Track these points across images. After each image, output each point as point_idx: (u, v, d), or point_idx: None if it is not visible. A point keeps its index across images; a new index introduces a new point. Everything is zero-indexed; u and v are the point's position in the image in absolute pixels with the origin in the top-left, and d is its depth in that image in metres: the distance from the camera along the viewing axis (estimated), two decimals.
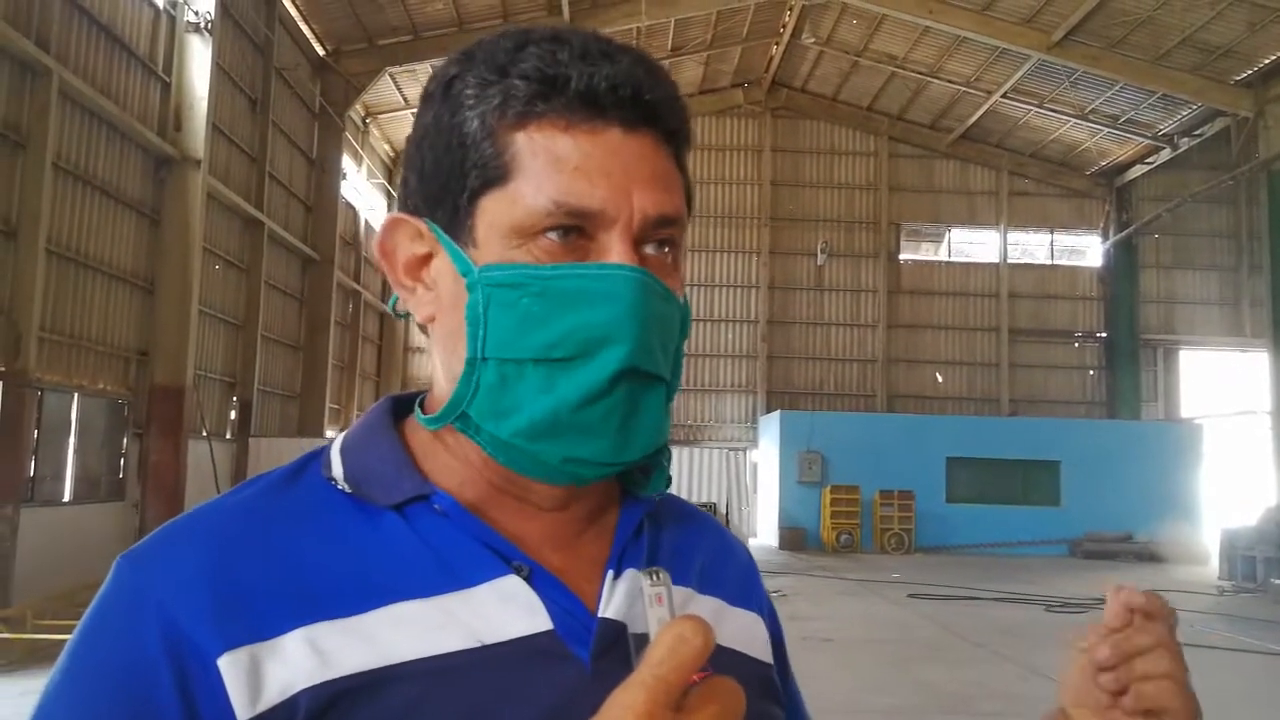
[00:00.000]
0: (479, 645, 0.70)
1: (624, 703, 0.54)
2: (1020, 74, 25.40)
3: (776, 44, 27.82)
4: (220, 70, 15.90)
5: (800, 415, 25.86)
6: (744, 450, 28.69)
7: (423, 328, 0.80)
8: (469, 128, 0.73)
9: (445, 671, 0.69)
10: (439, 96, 0.77)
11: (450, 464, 0.78)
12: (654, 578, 0.61)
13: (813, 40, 26.75)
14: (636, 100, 0.73)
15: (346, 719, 0.66)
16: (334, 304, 22.40)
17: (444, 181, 0.75)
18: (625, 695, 0.54)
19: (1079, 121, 27.53)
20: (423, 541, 0.74)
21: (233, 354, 17.71)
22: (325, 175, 22.03)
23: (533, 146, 0.72)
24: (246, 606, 0.69)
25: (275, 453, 17.85)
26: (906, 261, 30.60)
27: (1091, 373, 30.51)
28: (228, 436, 17.31)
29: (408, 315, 0.81)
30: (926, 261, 30.82)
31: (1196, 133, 26.32)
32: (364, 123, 25.77)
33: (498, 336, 0.72)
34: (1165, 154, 27.70)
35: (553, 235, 0.71)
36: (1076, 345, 30.62)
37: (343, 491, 0.77)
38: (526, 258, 0.72)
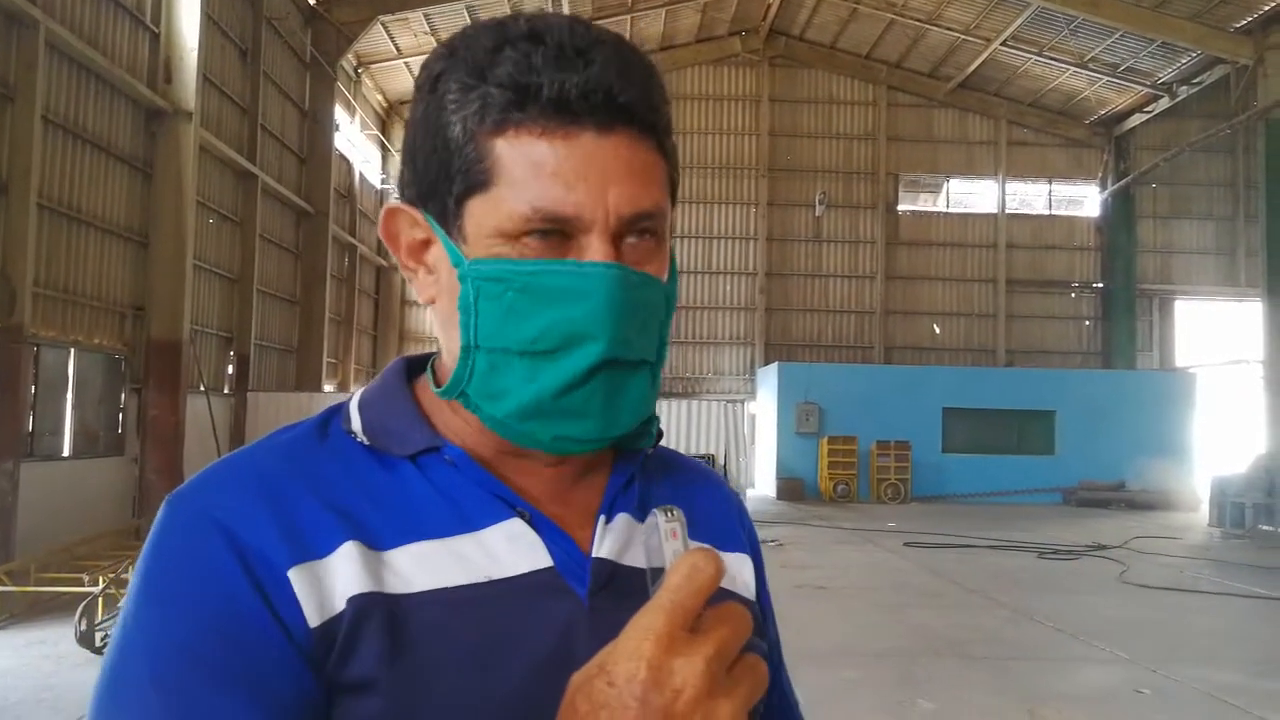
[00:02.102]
0: (487, 580, 0.77)
1: (645, 625, 0.58)
2: (1020, 21, 25.15)
3: None
4: (210, 20, 15.71)
5: (798, 367, 25.91)
6: (742, 402, 28.70)
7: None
8: (452, 132, 0.77)
9: (459, 602, 0.75)
10: (427, 91, 0.80)
11: (457, 423, 0.85)
12: (669, 514, 0.65)
13: None
14: (609, 103, 0.75)
15: (378, 632, 0.72)
16: (329, 258, 22.33)
17: (433, 180, 0.79)
18: (645, 618, 0.59)
19: (1078, 70, 27.31)
20: (435, 489, 0.80)
21: (229, 308, 17.68)
22: (318, 127, 21.84)
23: (511, 153, 0.75)
24: (300, 529, 0.74)
25: (273, 407, 17.90)
26: (904, 212, 30.49)
27: (1087, 323, 30.55)
28: (225, 391, 17.33)
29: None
30: (924, 212, 30.72)
31: (1195, 81, 26.11)
32: (356, 73, 25.52)
33: (487, 328, 0.77)
34: (1164, 102, 27.51)
35: (533, 237, 0.75)
36: (1073, 296, 30.63)
37: (362, 444, 0.83)
38: (511, 253, 0.76)
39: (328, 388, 22.71)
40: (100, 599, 7.67)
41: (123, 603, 0.74)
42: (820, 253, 30.18)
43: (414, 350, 30.45)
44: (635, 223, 0.77)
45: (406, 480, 0.80)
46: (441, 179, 0.78)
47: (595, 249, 0.75)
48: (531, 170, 0.75)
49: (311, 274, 21.59)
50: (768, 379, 26.69)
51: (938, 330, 30.13)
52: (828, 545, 14.49)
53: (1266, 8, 22.20)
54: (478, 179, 0.76)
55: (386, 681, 0.71)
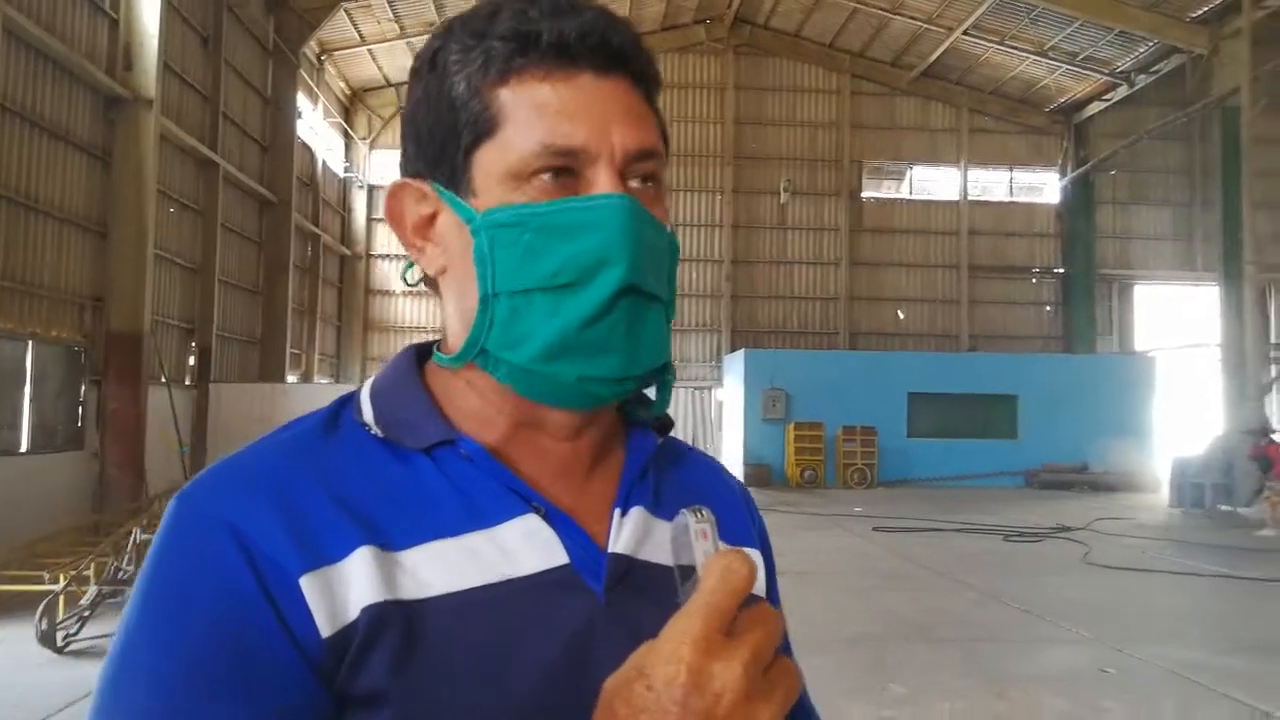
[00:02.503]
0: (503, 579, 0.76)
1: (682, 628, 0.58)
2: (981, 10, 25.33)
3: None
4: (170, 7, 15.47)
5: (764, 353, 26.01)
6: (709, 389, 28.88)
7: (433, 284, 0.86)
8: (457, 91, 0.79)
9: (476, 603, 0.74)
10: (426, 70, 0.83)
11: (471, 405, 0.83)
12: (699, 515, 0.65)
13: None
14: (604, 46, 0.79)
15: (394, 639, 0.71)
16: (292, 247, 22.13)
17: (440, 143, 0.81)
18: (682, 622, 0.59)
19: (1038, 58, 27.56)
20: (450, 484, 0.79)
21: (190, 299, 17.48)
22: (280, 115, 21.61)
23: (516, 98, 0.78)
24: (312, 532, 0.72)
25: (235, 399, 17.72)
26: (869, 199, 30.67)
27: (1048, 308, 30.91)
28: (187, 383, 17.14)
29: (419, 282, 0.88)
30: (888, 199, 30.91)
31: (1153, 70, 26.45)
32: (319, 60, 25.27)
33: (505, 272, 0.78)
34: (1122, 91, 27.87)
35: (545, 177, 0.77)
36: (1034, 281, 30.97)
37: (375, 436, 0.81)
38: (523, 198, 0.77)
39: (291, 379, 22.52)
40: (61, 597, 7.56)
41: (127, 602, 0.72)
42: (785, 240, 30.29)
43: (378, 340, 30.29)
44: (639, 160, 0.80)
45: (420, 474, 0.79)
46: (449, 138, 0.80)
47: (604, 182, 0.77)
48: (537, 111, 0.77)
49: (274, 263, 21.38)
50: (734, 365, 26.77)
51: (902, 316, 30.36)
52: (795, 531, 14.57)
53: None
54: (485, 126, 0.78)
55: (397, 693, 0.70)
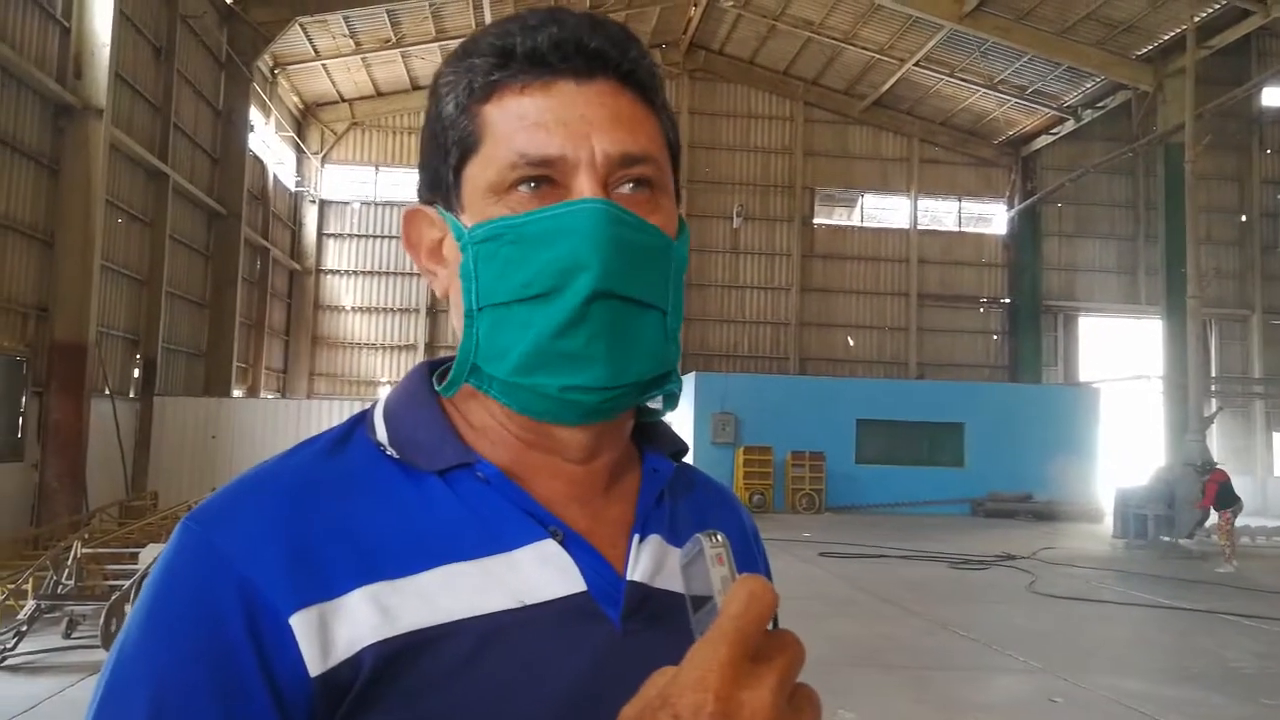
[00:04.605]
0: (520, 605, 0.74)
1: (708, 655, 0.56)
2: (932, 43, 25.79)
3: (695, 5, 27.73)
4: (123, 16, 15.27)
5: (715, 377, 26.07)
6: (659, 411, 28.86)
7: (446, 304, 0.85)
8: (446, 111, 0.80)
9: (492, 630, 0.73)
10: (430, 95, 0.84)
11: (484, 424, 0.82)
12: (713, 539, 0.63)
13: (731, 3, 26.76)
14: (581, 51, 0.78)
15: (407, 673, 0.70)
16: (241, 260, 21.84)
17: (435, 165, 0.81)
18: (707, 649, 0.56)
19: (988, 91, 28.10)
20: (466, 507, 0.77)
21: (136, 310, 17.17)
22: (232, 127, 21.38)
23: (497, 113, 0.78)
24: (313, 567, 0.71)
25: (180, 412, 17.41)
26: (820, 226, 30.98)
27: (995, 337, 31.38)
28: (131, 395, 16.82)
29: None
30: (839, 226, 31.26)
31: (1099, 105, 27.11)
32: (272, 74, 25.04)
33: (486, 286, 0.77)
34: (1069, 125, 28.52)
35: (523, 188, 0.76)
36: (981, 310, 31.43)
37: (389, 456, 0.80)
38: (504, 211, 0.76)
39: (237, 393, 22.18)
40: None
41: (130, 613, 0.73)
42: (738, 264, 30.49)
43: (326, 356, 29.91)
44: (626, 165, 0.77)
45: (435, 497, 0.77)
46: (440, 158, 0.80)
47: (584, 189, 0.76)
48: (515, 123, 0.77)
49: (222, 276, 21.09)
50: (685, 389, 26.75)
51: (851, 342, 30.65)
52: None
53: (1165, 37, 23.17)
54: (469, 143, 0.78)
55: None
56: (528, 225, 0.75)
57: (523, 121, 0.76)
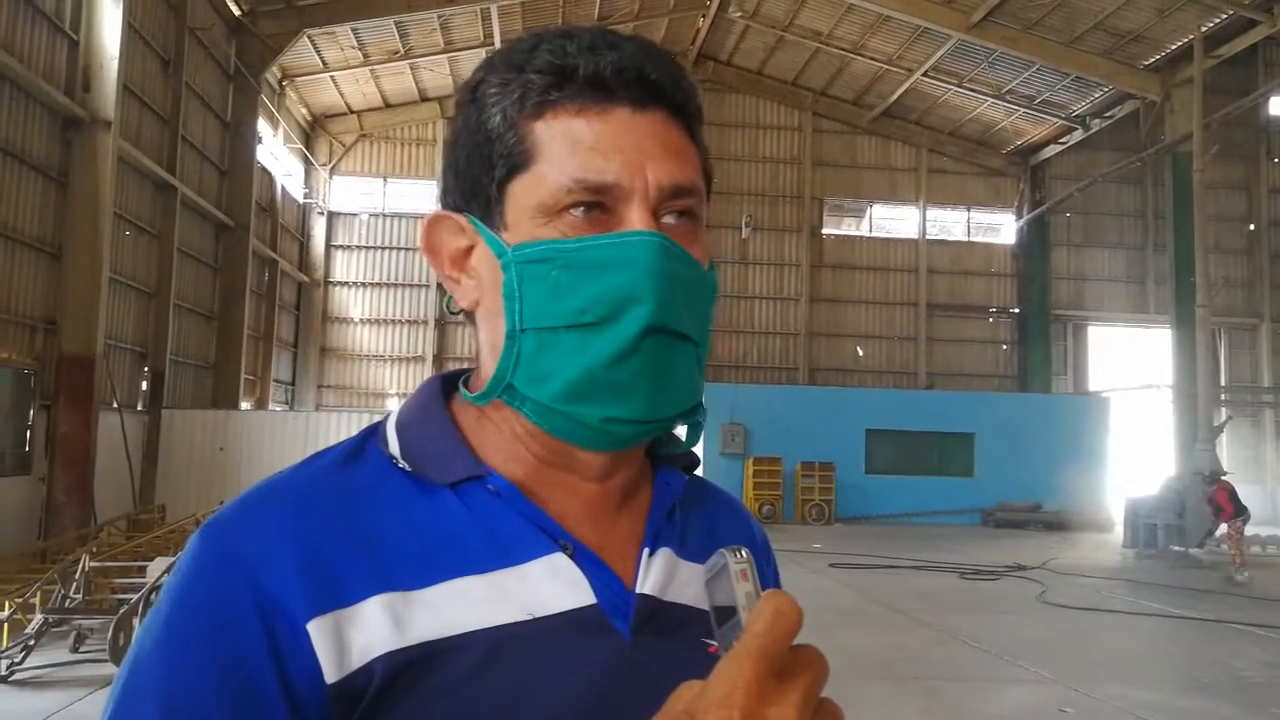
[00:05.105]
0: (530, 618, 0.75)
1: (733, 672, 0.56)
2: (940, 53, 25.78)
3: (703, 16, 27.76)
4: (131, 29, 15.35)
5: (724, 388, 26.02)
6: None
7: (470, 316, 0.85)
8: (493, 123, 0.79)
9: (502, 641, 0.74)
10: (467, 101, 0.83)
11: (498, 440, 0.83)
12: (737, 555, 0.63)
13: (739, 14, 26.80)
14: (641, 80, 0.78)
15: (417, 685, 0.71)
16: (249, 272, 21.89)
17: (476, 175, 0.81)
18: (732, 666, 0.56)
19: (996, 101, 28.08)
20: (477, 520, 0.78)
21: (144, 323, 17.22)
22: (240, 139, 21.45)
23: (550, 132, 0.77)
24: (328, 575, 0.72)
25: (188, 425, 17.44)
26: (829, 236, 30.95)
27: (1004, 347, 31.29)
28: (139, 408, 16.85)
29: (459, 312, 0.86)
30: (848, 236, 31.21)
31: (1107, 114, 27.07)
32: (280, 85, 25.12)
33: (533, 308, 0.77)
34: (1077, 135, 28.46)
35: (576, 212, 0.76)
36: (990, 320, 31.35)
37: (401, 469, 0.81)
38: (553, 234, 0.76)
39: (245, 405, 22.21)
40: (5, 625, 7.36)
41: (146, 619, 0.73)
42: (746, 275, 30.46)
43: (334, 367, 29.92)
44: (675, 196, 0.78)
45: (446, 510, 0.78)
46: (484, 170, 0.80)
47: (636, 219, 0.76)
48: (570, 146, 0.76)
49: (230, 288, 21.14)
50: None
51: (860, 353, 30.59)
52: None
53: (1173, 47, 23.11)
54: (519, 160, 0.78)
55: None
56: (582, 252, 0.75)
57: (578, 145, 0.76)
